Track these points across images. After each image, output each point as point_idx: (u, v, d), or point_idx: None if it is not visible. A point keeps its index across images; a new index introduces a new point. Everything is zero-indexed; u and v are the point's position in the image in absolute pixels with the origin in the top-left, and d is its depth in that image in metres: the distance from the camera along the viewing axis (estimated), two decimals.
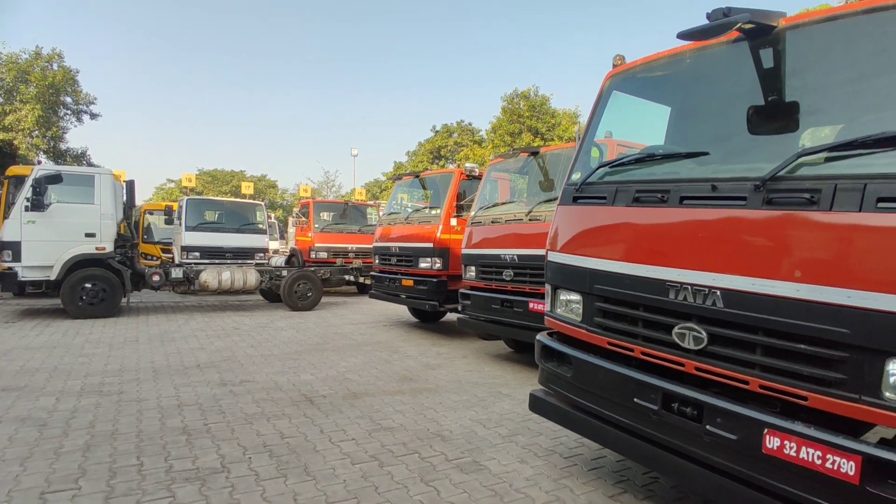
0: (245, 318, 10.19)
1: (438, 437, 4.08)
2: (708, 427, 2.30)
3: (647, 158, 3.00)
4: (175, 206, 14.38)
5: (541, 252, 5.72)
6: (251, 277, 10.96)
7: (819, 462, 1.95)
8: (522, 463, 3.65)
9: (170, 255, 15.18)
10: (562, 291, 3.26)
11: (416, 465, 3.53)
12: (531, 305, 5.87)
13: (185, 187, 17.24)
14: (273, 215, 14.87)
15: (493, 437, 4.11)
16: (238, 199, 14.95)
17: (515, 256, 6.17)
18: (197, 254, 12.83)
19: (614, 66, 3.36)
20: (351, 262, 13.59)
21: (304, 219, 14.81)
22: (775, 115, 2.52)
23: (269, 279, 11.42)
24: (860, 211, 1.95)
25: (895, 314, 1.82)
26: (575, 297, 3.13)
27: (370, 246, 14.46)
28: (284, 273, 11.58)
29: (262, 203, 14.49)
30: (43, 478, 3.16)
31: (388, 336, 8.60)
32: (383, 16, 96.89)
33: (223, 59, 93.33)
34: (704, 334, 2.36)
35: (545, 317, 3.42)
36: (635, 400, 2.62)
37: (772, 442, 2.07)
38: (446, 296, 8.25)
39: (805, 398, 2.05)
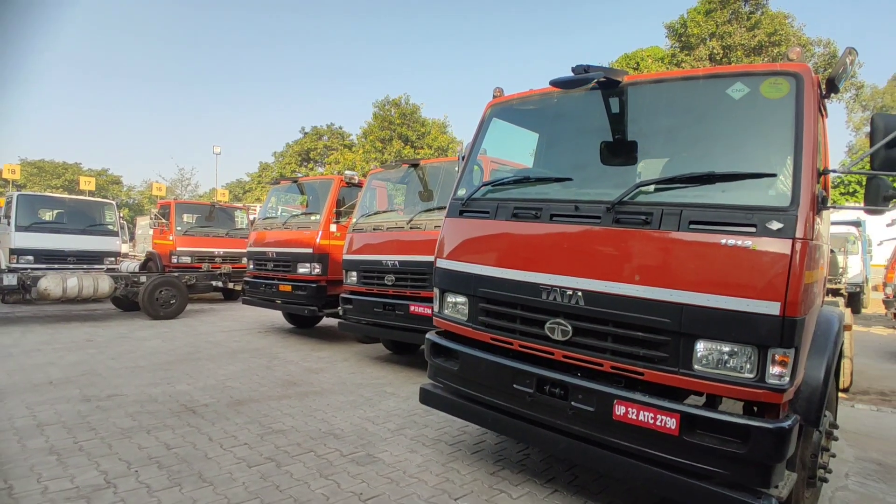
0: (98, 328, 9.24)
1: (331, 435, 4.26)
2: (572, 403, 2.83)
3: (523, 180, 3.52)
4: (1, 201, 12.50)
5: (421, 258, 6.18)
6: (104, 284, 9.93)
7: (651, 421, 2.55)
8: (412, 452, 3.98)
9: None
10: (449, 294, 3.66)
11: (314, 463, 3.69)
12: (412, 308, 6.24)
13: (7, 180, 15.02)
14: (121, 215, 13.44)
15: (382, 432, 4.39)
16: (82, 197, 13.38)
17: (397, 262, 6.50)
18: (30, 257, 11.32)
19: (494, 96, 3.85)
20: (219, 268, 12.89)
21: (163, 220, 13.69)
22: (620, 150, 3.15)
23: (126, 286, 10.44)
24: (678, 230, 2.59)
25: (701, 307, 2.47)
26: (461, 299, 3.54)
27: (239, 250, 13.99)
28: (143, 279, 10.67)
29: (114, 202, 13.18)
30: None
31: (265, 342, 8.42)
32: (250, 6, 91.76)
33: (48, 26, 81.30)
34: (570, 328, 2.89)
35: (434, 317, 3.79)
36: (514, 385, 3.09)
37: (620, 409, 2.64)
38: (326, 301, 8.33)
39: (642, 374, 2.65)
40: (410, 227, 6.41)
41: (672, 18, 28.29)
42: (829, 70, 2.79)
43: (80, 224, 12.11)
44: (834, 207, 3.02)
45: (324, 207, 8.40)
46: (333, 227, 8.31)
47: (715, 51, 25.99)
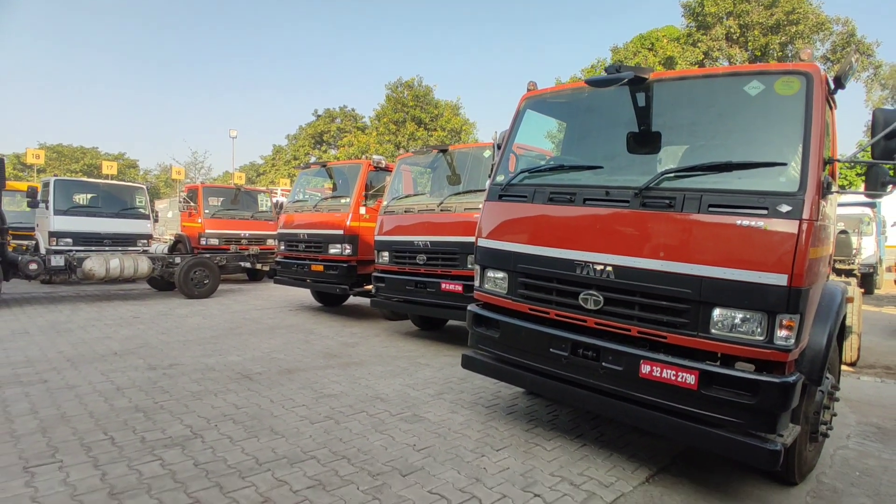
0: (139, 307, 9.81)
1: (378, 399, 4.73)
2: (603, 364, 3.24)
3: (558, 168, 3.89)
4: (38, 186, 13.05)
5: (452, 238, 6.60)
6: (143, 265, 10.49)
7: (674, 378, 2.95)
8: (454, 413, 4.43)
9: (22, 242, 13.74)
10: (489, 270, 4.07)
11: (368, 421, 4.16)
12: (443, 286, 6.67)
13: (28, 165, 15.54)
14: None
15: (423, 397, 4.85)
16: (116, 182, 13.91)
17: (429, 243, 6.91)
18: (69, 240, 11.85)
19: (529, 90, 4.21)
20: (247, 249, 13.41)
21: (192, 204, 14.20)
22: (645, 141, 3.51)
23: (162, 266, 10.99)
24: (699, 212, 2.97)
25: (718, 279, 2.86)
26: (501, 274, 3.95)
27: (264, 232, 14.50)
28: (178, 260, 11.21)
29: (144, 186, 13.68)
30: (15, 456, 3.30)
31: (298, 319, 8.93)
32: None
33: (60, 10, 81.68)
34: (601, 298, 3.29)
35: (475, 291, 4.20)
36: (551, 350, 3.51)
37: (645, 368, 3.05)
38: (356, 280, 8.79)
39: (665, 337, 3.05)
40: (441, 210, 6.81)
41: None
42: (838, 66, 3.11)
43: (114, 208, 12.62)
44: (839, 192, 3.37)
45: (353, 191, 8.81)
46: (363, 210, 8.73)
47: (732, 29, 25.82)
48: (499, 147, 4.38)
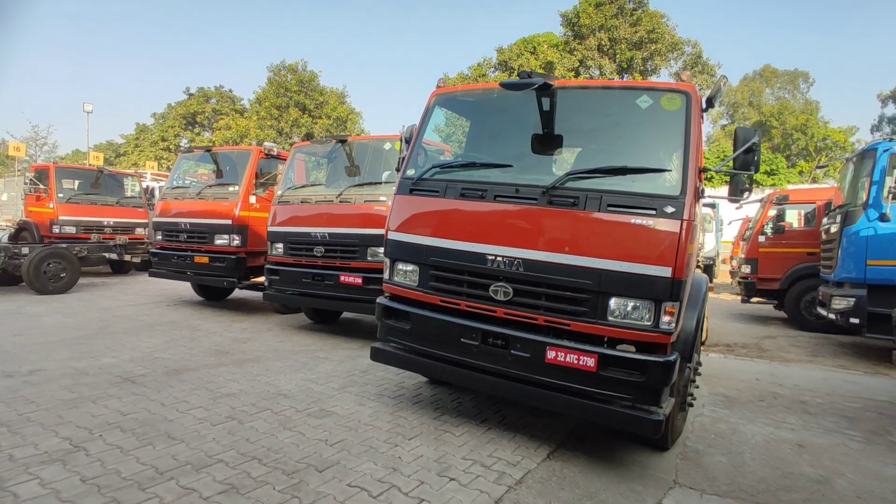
0: None
1: (281, 395, 4.58)
2: (512, 351, 3.46)
3: (468, 165, 4.04)
4: None
5: (351, 231, 6.54)
6: None
7: (576, 361, 3.24)
8: (361, 406, 4.43)
9: None
10: (400, 263, 4.11)
11: (274, 418, 4.02)
12: (342, 278, 6.59)
13: None
14: None
15: (328, 391, 4.78)
16: None
17: (327, 234, 6.77)
18: None
19: (438, 87, 4.31)
20: (112, 238, 12.06)
21: (41, 186, 12.42)
22: (550, 143, 3.78)
23: (5, 258, 9.52)
24: (599, 211, 3.28)
25: (615, 271, 3.19)
26: (412, 267, 4.02)
27: (133, 220, 13.18)
28: (25, 251, 9.78)
29: None
30: None
31: (180, 315, 8.27)
32: None
33: None
34: (511, 290, 3.50)
35: (384, 284, 4.23)
36: (461, 339, 3.66)
37: (551, 354, 3.32)
38: (245, 272, 8.35)
39: (569, 325, 3.34)
40: (340, 201, 6.70)
41: (567, 8, 30.07)
42: (707, 90, 3.60)
43: None
44: (710, 197, 3.90)
45: (242, 178, 8.33)
46: (253, 199, 8.30)
47: (603, 42, 28.12)
48: (407, 141, 4.43)
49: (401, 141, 4.70)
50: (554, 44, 30.11)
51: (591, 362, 3.22)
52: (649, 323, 3.19)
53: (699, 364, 4.33)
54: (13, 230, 13.13)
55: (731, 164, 3.54)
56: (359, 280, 6.44)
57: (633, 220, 3.20)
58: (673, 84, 3.48)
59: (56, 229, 12.15)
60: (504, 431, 4.06)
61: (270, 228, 7.37)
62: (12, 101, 71.63)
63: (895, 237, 6.84)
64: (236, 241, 8.16)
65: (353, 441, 3.69)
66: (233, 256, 8.17)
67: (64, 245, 10.58)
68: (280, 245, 7.25)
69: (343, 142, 7.27)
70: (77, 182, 13.41)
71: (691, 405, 4.20)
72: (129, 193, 14.10)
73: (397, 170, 4.39)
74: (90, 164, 15.44)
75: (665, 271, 3.12)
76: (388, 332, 4.13)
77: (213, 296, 10.00)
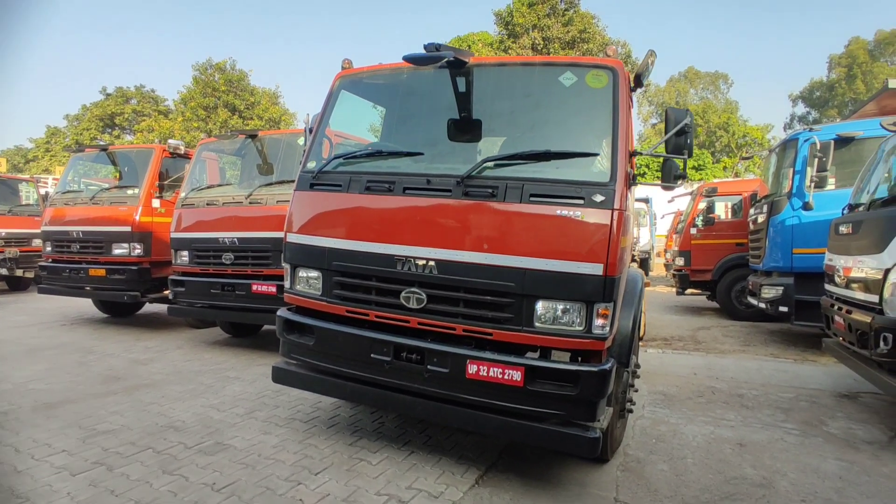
0: None
1: (171, 428, 3.92)
2: (428, 367, 3.00)
3: (376, 154, 3.54)
4: None
5: (263, 234, 5.89)
6: None
7: (500, 375, 2.82)
8: (266, 434, 3.85)
9: None
10: (301, 269, 3.57)
11: (154, 460, 3.37)
12: (255, 287, 5.94)
13: None
14: None
15: (230, 418, 4.16)
16: None
17: (236, 239, 6.09)
18: None
19: (343, 68, 3.79)
20: (2, 252, 10.71)
21: None
22: (466, 127, 3.34)
23: None
24: (521, 202, 2.87)
25: (540, 271, 2.79)
26: (314, 273, 3.49)
27: (28, 231, 11.79)
28: None
29: None
30: None
31: (74, 336, 7.30)
32: None
33: None
34: (424, 296, 3.04)
35: (285, 293, 3.67)
36: (372, 355, 3.16)
37: (472, 368, 2.88)
38: (149, 284, 7.49)
39: (491, 334, 2.91)
40: (250, 203, 6.05)
41: (500, 7, 30.08)
42: (635, 68, 3.28)
43: None
44: (642, 184, 3.59)
45: (144, 180, 7.46)
46: (156, 203, 7.45)
47: (536, 41, 28.30)
48: (311, 131, 3.90)
49: (305, 131, 4.15)
50: (489, 42, 30.06)
51: (517, 376, 2.80)
52: (581, 328, 2.81)
53: (637, 366, 4.02)
54: None
55: (662, 148, 3.22)
56: (272, 288, 5.80)
57: (558, 212, 2.81)
58: (598, 59, 3.13)
59: None
60: (428, 455, 3.59)
61: (173, 235, 6.59)
62: None
63: (819, 225, 6.89)
64: (137, 249, 7.30)
65: (246, 482, 3.11)
66: (134, 267, 7.30)
67: None
68: (185, 253, 6.48)
69: (253, 137, 6.60)
70: None
71: (630, 411, 3.89)
72: (24, 201, 12.66)
73: (301, 164, 3.83)
74: None
75: (596, 269, 2.74)
76: (291, 348, 3.57)
77: (119, 312, 8.99)
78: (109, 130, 39.54)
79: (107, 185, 8.23)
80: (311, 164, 3.60)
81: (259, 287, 5.88)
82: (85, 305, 9.52)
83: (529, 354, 3.11)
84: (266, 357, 6.21)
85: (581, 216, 2.78)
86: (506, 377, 2.82)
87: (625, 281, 3.32)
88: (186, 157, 7.92)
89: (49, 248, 8.03)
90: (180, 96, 36.36)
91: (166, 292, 7.49)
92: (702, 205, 10.68)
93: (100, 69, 74.43)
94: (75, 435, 3.75)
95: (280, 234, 5.69)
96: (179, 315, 6.80)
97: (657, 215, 15.34)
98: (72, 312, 9.28)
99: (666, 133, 3.20)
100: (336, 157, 3.52)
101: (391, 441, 3.80)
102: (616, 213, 2.78)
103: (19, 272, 10.84)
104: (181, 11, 75.22)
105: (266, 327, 7.83)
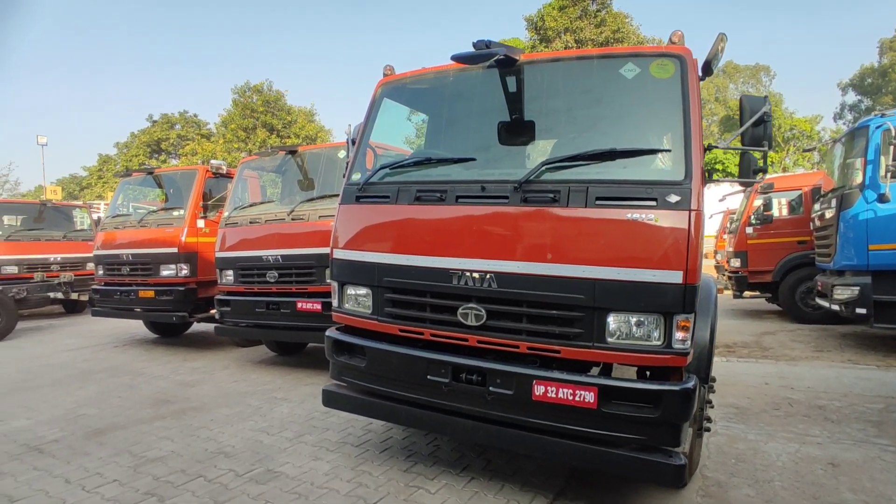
0: None
1: (221, 454, 3.80)
2: (490, 388, 2.76)
3: (424, 162, 3.36)
4: None
5: (306, 251, 5.80)
6: None
7: (571, 397, 2.56)
8: (317, 460, 3.68)
9: None
10: (349, 287, 3.41)
11: (205, 490, 3.25)
12: (299, 305, 5.84)
13: None
14: None
15: (280, 443, 4.02)
16: None
17: (279, 257, 6.03)
18: None
19: (385, 75, 3.64)
20: (57, 276, 11.08)
21: None
22: (520, 129, 3.13)
23: None
24: (586, 207, 2.62)
25: (612, 281, 2.53)
26: (363, 290, 3.31)
27: (81, 255, 12.16)
28: None
29: None
30: None
31: (125, 358, 7.39)
32: None
33: None
34: (483, 312, 2.81)
35: (333, 312, 3.51)
36: (428, 377, 2.95)
37: (539, 390, 2.63)
38: (196, 304, 7.54)
39: (558, 351, 2.66)
40: (292, 219, 5.97)
41: (531, 12, 29.85)
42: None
43: None
44: (720, 180, 3.29)
45: (188, 201, 7.54)
46: (201, 223, 7.50)
47: (569, 44, 27.89)
48: (353, 142, 3.75)
49: (347, 143, 4.02)
50: (521, 49, 29.86)
51: (590, 397, 2.53)
52: (659, 342, 2.53)
53: (713, 380, 3.68)
54: None
55: (738, 141, 2.92)
56: (318, 306, 5.69)
57: (628, 216, 2.55)
58: (663, 47, 2.86)
59: None
60: (489, 481, 3.34)
61: (218, 254, 6.59)
62: None
63: None
64: (184, 270, 7.35)
65: None
66: (181, 288, 7.35)
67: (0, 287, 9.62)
68: (230, 272, 6.47)
69: (293, 153, 6.56)
70: (20, 218, 12.38)
71: (708, 430, 3.55)
72: (78, 226, 13.11)
73: (344, 177, 3.69)
74: (40, 199, 14.39)
75: (674, 276, 2.46)
76: (341, 370, 3.40)
77: (169, 332, 9.12)
78: (156, 155, 41.12)
79: (154, 208, 8.38)
80: (356, 176, 3.45)
81: (304, 305, 5.78)
82: (136, 326, 9.71)
83: (592, 372, 2.85)
84: (313, 376, 6.10)
85: (655, 219, 2.51)
86: (577, 399, 2.56)
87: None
88: (228, 176, 7.97)
89: (101, 272, 8.21)
90: (221, 119, 37.54)
91: (213, 312, 7.53)
92: (757, 202, 10.09)
93: (147, 98, 77.82)
94: (126, 463, 3.68)
95: (324, 250, 5.61)
96: (226, 335, 6.78)
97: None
98: (123, 334, 9.46)
99: (741, 124, 2.90)
100: (382, 167, 3.35)
101: (448, 466, 3.57)
102: (694, 214, 2.50)
103: (74, 295, 11.17)
104: (220, 38, 77.93)
105: (312, 344, 7.75)
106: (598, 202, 2.61)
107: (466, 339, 2.89)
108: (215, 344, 8.25)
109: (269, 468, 3.55)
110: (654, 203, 2.53)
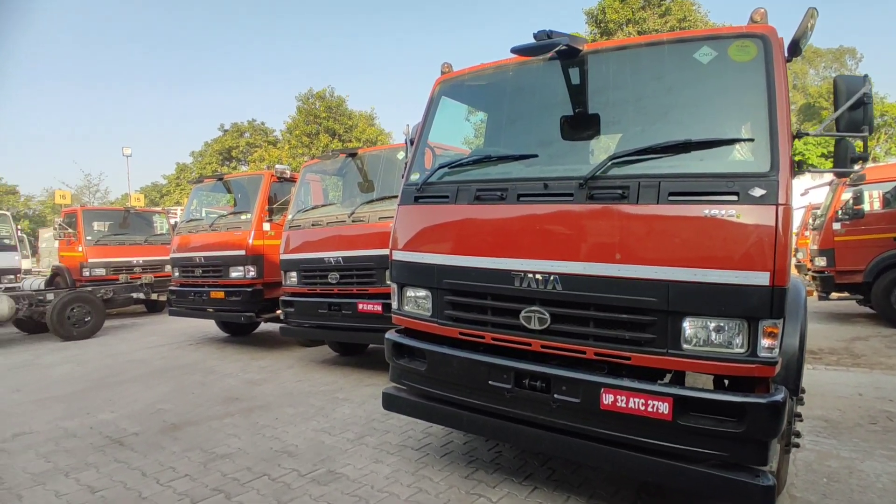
0: None
1: (284, 454, 3.86)
2: (556, 396, 2.63)
3: (484, 160, 3.26)
4: None
5: (367, 252, 5.83)
6: (3, 305, 8.80)
7: (643, 408, 2.39)
8: (378, 463, 3.67)
9: None
10: (409, 288, 3.36)
11: (269, 488, 3.30)
12: (360, 307, 5.89)
13: None
14: (20, 228, 12.23)
15: (341, 444, 4.04)
16: None
17: (341, 259, 6.10)
18: None
19: (443, 72, 3.57)
20: (139, 278, 11.84)
21: (70, 231, 12.37)
22: (584, 123, 2.96)
23: (29, 305, 9.31)
24: (658, 203, 2.44)
25: (688, 283, 2.33)
26: (423, 292, 3.26)
27: (161, 258, 12.94)
28: (50, 296, 9.56)
29: (7, 212, 11.77)
30: None
31: (198, 356, 7.75)
32: (156, 2, 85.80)
33: None
34: (548, 315, 2.68)
35: (393, 314, 3.48)
36: (490, 382, 2.85)
37: (608, 398, 2.47)
38: (263, 305, 7.79)
39: (629, 358, 2.49)
40: (353, 221, 6.04)
41: (591, 5, 29.04)
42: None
43: None
44: (810, 170, 2.99)
45: (255, 205, 7.81)
46: (267, 226, 7.76)
47: (632, 36, 26.95)
48: (411, 142, 3.71)
49: (406, 143, 3.99)
50: (583, 38, 29.11)
51: (664, 408, 2.35)
52: (742, 350, 2.31)
53: (803, 391, 3.36)
54: (48, 276, 13.14)
55: (833, 126, 2.63)
56: (378, 307, 5.71)
57: (706, 212, 2.35)
58: (743, 28, 2.62)
59: (86, 272, 12.03)
60: (554, 492, 3.20)
61: (282, 256, 6.77)
62: (66, 154, 75.43)
63: None
64: (251, 272, 7.62)
65: None
66: (248, 289, 7.63)
67: (89, 288, 10.36)
68: (293, 274, 6.63)
69: (353, 155, 6.64)
70: (107, 224, 13.34)
71: (797, 445, 3.24)
72: (157, 231, 13.97)
73: (403, 177, 3.65)
74: (125, 205, 15.46)
75: (760, 278, 2.24)
76: (401, 373, 3.37)
77: (239, 331, 9.51)
78: (228, 163, 43.25)
79: (224, 212, 8.75)
80: (415, 177, 3.40)
81: (365, 306, 5.83)
82: (208, 325, 10.19)
83: (662, 381, 2.65)
84: (374, 377, 6.14)
85: (737, 215, 2.29)
86: (650, 409, 2.38)
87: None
88: (292, 180, 8.19)
89: (177, 273, 8.66)
90: (286, 126, 38.98)
91: (278, 312, 7.76)
92: (846, 195, 9.26)
93: (219, 108, 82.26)
94: (197, 458, 3.81)
95: (383, 252, 5.64)
96: (290, 335, 6.96)
97: None
98: (197, 332, 9.95)
99: (836, 107, 2.61)
100: (441, 167, 3.29)
101: (511, 474, 3.45)
102: (782, 209, 2.26)
103: (154, 296, 11.88)
104: (285, 46, 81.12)
105: (372, 346, 7.83)
106: (671, 198, 2.42)
107: (529, 344, 2.77)
108: (281, 343, 8.50)
109: (331, 469, 3.57)
110: (735, 198, 2.31)
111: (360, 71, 78.38)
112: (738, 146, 2.55)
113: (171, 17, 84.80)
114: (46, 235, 21.00)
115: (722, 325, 2.33)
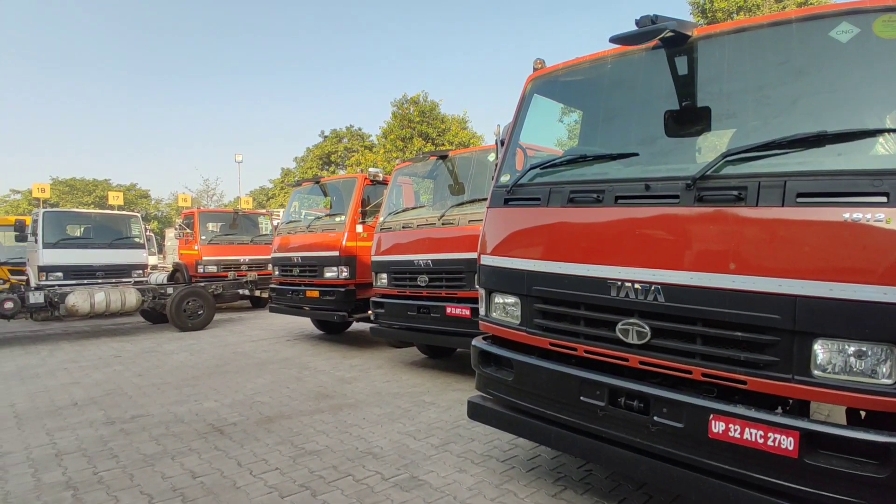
0: (126, 343, 9.09)
1: (369, 455, 3.89)
2: (655, 418, 2.38)
3: (578, 160, 3.07)
4: (28, 220, 12.54)
5: (456, 256, 5.77)
6: (131, 297, 9.81)
7: (761, 441, 2.09)
8: (461, 472, 3.57)
9: (21, 278, 13.26)
10: (497, 294, 3.24)
11: (353, 489, 3.32)
12: (449, 310, 5.84)
13: (37, 199, 15.17)
14: (149, 227, 13.70)
15: (426, 449, 4.00)
16: (108, 211, 13.39)
17: (430, 261, 6.11)
18: (59, 274, 11.27)
19: (535, 69, 3.42)
20: (245, 276, 12.72)
21: (188, 230, 13.59)
22: (694, 118, 2.68)
23: (153, 298, 10.31)
24: (783, 206, 2.12)
25: (821, 299, 2.00)
26: (512, 299, 3.12)
27: (264, 257, 13.81)
28: (170, 290, 10.52)
29: (138, 214, 13.11)
30: None
31: (294, 351, 8.13)
32: (264, 19, 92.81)
33: (76, 50, 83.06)
34: (648, 329, 2.44)
35: (480, 321, 3.38)
36: (581, 398, 2.65)
37: (717, 426, 2.19)
38: (355, 305, 8.01)
39: (744, 382, 2.19)
40: (443, 224, 6.02)
41: None
42: None
43: (106, 238, 12.04)
44: None
45: (348, 207, 8.07)
46: (360, 228, 7.98)
47: None
48: (502, 143, 3.59)
49: (496, 144, 3.87)
50: (694, 23, 27.39)
51: (788, 443, 2.04)
52: (890, 382, 1.94)
53: None
54: (170, 272, 14.51)
55: None
56: (467, 312, 5.64)
57: (845, 216, 2.00)
58: None
59: (201, 269, 13.13)
60: None
61: (374, 258, 6.91)
62: (189, 160, 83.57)
63: None
64: (344, 272, 7.86)
65: None
66: (342, 289, 7.87)
67: (202, 284, 11.27)
68: (384, 275, 6.74)
69: (444, 158, 6.63)
70: (219, 225, 14.48)
71: None
72: (262, 231, 14.94)
73: (493, 179, 3.54)
74: (234, 207, 16.74)
75: None
76: (488, 382, 3.25)
77: (333, 329, 9.87)
78: (327, 167, 45.59)
79: (320, 214, 9.13)
80: (505, 178, 3.28)
81: (453, 310, 5.78)
82: (305, 322, 10.69)
83: (781, 409, 2.30)
84: (461, 381, 6.08)
85: (886, 220, 1.93)
86: (770, 443, 2.07)
87: None
88: (384, 182, 8.37)
89: (276, 272, 9.17)
90: (381, 131, 40.31)
91: (369, 313, 7.95)
92: None
93: (320, 115, 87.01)
94: (287, 453, 3.93)
95: (473, 255, 5.55)
96: (380, 336, 7.08)
97: None
98: (295, 329, 10.48)
99: None
100: (532, 168, 3.13)
101: (602, 497, 3.21)
102: None
103: (258, 293, 12.70)
104: (384, 56, 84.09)
105: (460, 350, 7.79)
106: (799, 199, 2.09)
107: (626, 359, 2.54)
108: (371, 343, 8.70)
109: (414, 475, 3.53)
110: (884, 199, 1.95)
111: (453, 76, 79.34)
112: (881, 139, 2.16)
113: (282, 43, 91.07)
114: (171, 235, 23.33)
115: (864, 349, 1.98)
